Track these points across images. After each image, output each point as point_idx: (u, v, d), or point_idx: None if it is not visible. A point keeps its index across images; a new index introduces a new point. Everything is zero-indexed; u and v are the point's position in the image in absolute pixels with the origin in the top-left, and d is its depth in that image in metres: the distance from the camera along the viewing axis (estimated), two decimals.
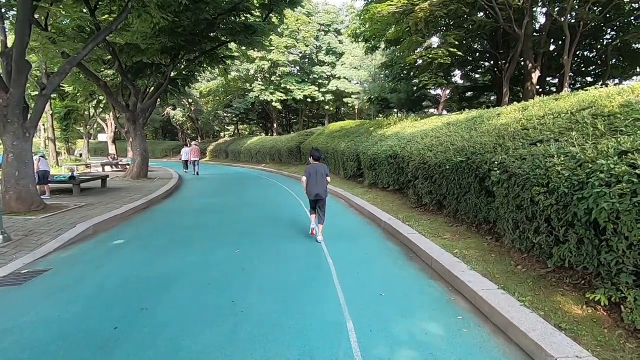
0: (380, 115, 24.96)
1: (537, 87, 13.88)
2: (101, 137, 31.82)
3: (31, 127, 7.38)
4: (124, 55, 13.85)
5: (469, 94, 23.35)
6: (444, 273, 3.93)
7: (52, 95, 23.94)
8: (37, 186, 7.91)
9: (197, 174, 17.14)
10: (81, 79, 18.66)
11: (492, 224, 4.93)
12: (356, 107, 31.80)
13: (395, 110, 20.90)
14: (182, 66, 13.60)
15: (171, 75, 13.33)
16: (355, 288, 3.62)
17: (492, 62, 15.98)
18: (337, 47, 31.13)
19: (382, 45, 18.70)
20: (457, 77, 22.00)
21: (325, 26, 32.17)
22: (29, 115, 7.38)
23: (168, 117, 41.07)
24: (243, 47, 15.21)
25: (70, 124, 20.67)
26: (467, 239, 4.88)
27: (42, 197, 8.06)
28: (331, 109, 34.28)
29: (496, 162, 4.44)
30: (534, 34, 14.02)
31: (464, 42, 11.59)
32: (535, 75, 13.37)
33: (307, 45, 30.03)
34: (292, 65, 33.21)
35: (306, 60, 32.50)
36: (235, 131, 47.21)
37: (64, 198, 8.71)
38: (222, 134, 49.04)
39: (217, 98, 32.94)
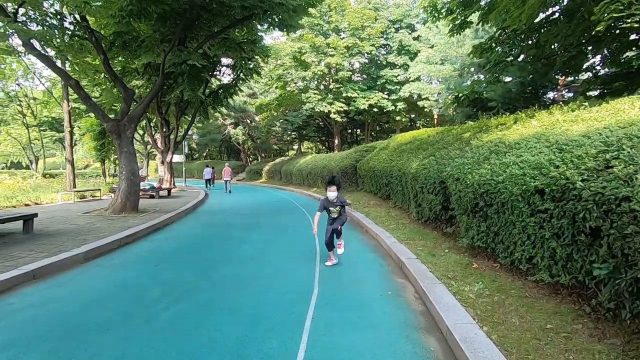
0: (471, 123, 18.52)
1: None
2: (176, 157, 29.86)
3: None
4: (121, 52, 10.73)
5: (610, 87, 15.61)
6: None
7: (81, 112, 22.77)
8: None
9: (230, 191, 19.23)
10: (112, 92, 16.56)
11: None
12: (435, 114, 25.54)
13: (494, 111, 14.59)
14: (183, 55, 9.71)
15: (166, 69, 9.61)
16: None
17: None
18: (410, 45, 25.59)
19: (476, 20, 12.90)
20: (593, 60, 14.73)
21: (396, 23, 27.00)
22: None
23: (229, 136, 39.54)
24: (267, 28, 10.95)
25: (107, 142, 18.75)
26: None
27: None
28: (403, 119, 28.53)
29: None
30: None
31: None
32: None
33: (373, 45, 25.07)
34: (357, 74, 28.57)
35: (372, 64, 27.54)
36: (299, 150, 44.09)
37: None
38: (287, 153, 46.30)
39: (273, 112, 29.73)
